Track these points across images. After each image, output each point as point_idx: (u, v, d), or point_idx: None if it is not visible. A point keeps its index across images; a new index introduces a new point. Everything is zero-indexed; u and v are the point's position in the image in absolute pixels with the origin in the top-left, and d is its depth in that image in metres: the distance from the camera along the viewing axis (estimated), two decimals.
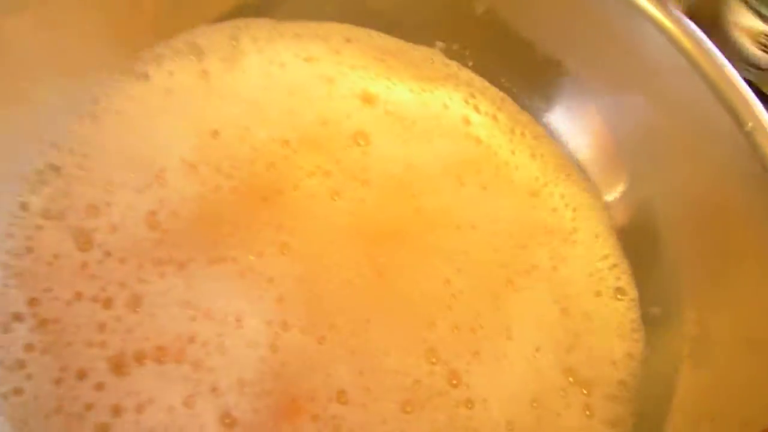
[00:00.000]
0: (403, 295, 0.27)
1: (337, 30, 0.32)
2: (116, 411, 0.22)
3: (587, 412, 0.28)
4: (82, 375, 0.22)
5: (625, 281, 0.31)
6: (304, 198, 0.28)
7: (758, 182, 0.26)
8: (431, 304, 0.27)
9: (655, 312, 0.30)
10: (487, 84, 0.34)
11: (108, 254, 0.24)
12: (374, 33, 0.33)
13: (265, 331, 0.25)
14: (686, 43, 0.28)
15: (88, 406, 0.22)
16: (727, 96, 0.27)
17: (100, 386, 0.22)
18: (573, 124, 0.34)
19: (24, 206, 0.24)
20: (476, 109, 0.34)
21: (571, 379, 0.28)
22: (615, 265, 0.31)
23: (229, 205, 0.27)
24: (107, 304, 0.24)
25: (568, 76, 0.33)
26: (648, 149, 0.31)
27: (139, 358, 0.23)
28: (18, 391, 0.22)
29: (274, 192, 0.28)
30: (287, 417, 0.23)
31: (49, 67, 0.25)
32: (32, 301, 0.23)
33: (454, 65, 0.34)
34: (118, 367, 0.23)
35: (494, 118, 0.34)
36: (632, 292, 0.31)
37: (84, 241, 0.24)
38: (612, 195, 0.33)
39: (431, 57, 0.34)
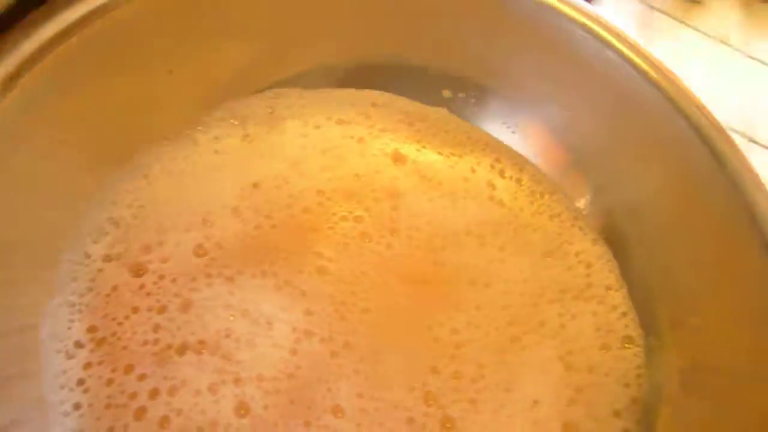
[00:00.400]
0: (413, 337, 0.30)
1: (362, 95, 0.36)
2: (153, 394, 0.26)
3: None
4: (129, 370, 0.26)
5: (633, 329, 0.33)
6: (338, 236, 0.32)
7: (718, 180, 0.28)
8: (437, 351, 0.30)
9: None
10: (511, 148, 0.37)
11: (162, 277, 0.28)
12: (395, 97, 0.37)
13: (290, 336, 0.28)
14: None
15: (132, 395, 0.25)
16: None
17: (142, 377, 0.26)
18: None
19: (87, 255, 0.28)
20: (501, 173, 0.37)
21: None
22: (624, 314, 0.33)
23: (271, 237, 0.31)
24: (161, 310, 0.28)
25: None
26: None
27: (181, 351, 0.27)
28: (77, 406, 0.25)
29: (310, 230, 0.31)
30: (284, 417, 0.26)
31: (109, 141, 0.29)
32: (91, 328, 0.27)
33: (479, 130, 0.37)
34: (162, 360, 0.26)
35: (518, 182, 0.37)
36: (639, 339, 0.32)
37: (139, 270, 0.28)
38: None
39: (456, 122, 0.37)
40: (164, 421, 0.25)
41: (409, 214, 0.33)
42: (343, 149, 0.35)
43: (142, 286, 0.28)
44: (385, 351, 0.29)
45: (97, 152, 0.29)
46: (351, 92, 0.36)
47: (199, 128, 0.32)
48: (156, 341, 0.27)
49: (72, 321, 0.27)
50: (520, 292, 0.33)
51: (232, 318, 0.28)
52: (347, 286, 0.30)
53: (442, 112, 0.37)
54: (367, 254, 0.31)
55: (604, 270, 0.35)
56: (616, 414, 0.31)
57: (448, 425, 0.28)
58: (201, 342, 0.27)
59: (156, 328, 0.27)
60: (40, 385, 0.25)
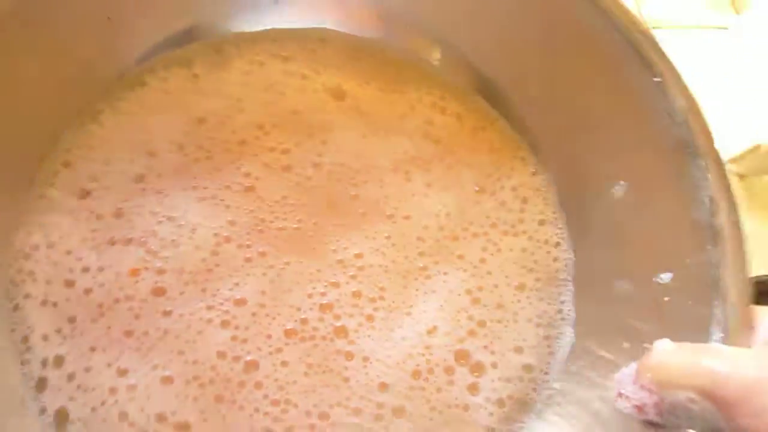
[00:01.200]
0: (319, 253, 0.32)
1: (311, 32, 0.37)
2: (84, 270, 0.30)
3: (473, 391, 0.31)
4: (68, 253, 0.31)
5: (561, 264, 0.34)
6: (264, 164, 0.34)
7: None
8: (339, 270, 0.32)
9: None
10: (461, 85, 0.37)
11: (102, 198, 0.32)
12: (351, 35, 0.37)
13: (211, 240, 0.32)
14: None
15: (69, 270, 0.30)
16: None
17: (79, 258, 0.31)
18: None
19: (41, 195, 0.32)
20: (443, 111, 0.37)
21: (462, 361, 0.32)
22: (555, 247, 0.34)
23: (204, 164, 0.33)
24: (99, 218, 0.31)
25: None
26: None
27: (112, 242, 0.31)
28: (30, 273, 0.30)
29: (240, 157, 0.34)
30: (192, 299, 0.31)
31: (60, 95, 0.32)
32: (38, 236, 0.31)
33: (433, 67, 0.37)
34: (95, 248, 0.31)
35: (459, 118, 0.37)
36: (566, 277, 0.34)
37: (83, 194, 0.32)
38: None
39: (411, 57, 0.38)
40: (88, 291, 0.30)
41: (337, 149, 0.35)
42: (285, 85, 0.36)
43: (83, 205, 0.32)
44: (293, 263, 0.32)
45: (51, 108, 0.32)
46: (299, 30, 0.38)
47: (148, 72, 0.35)
48: (93, 239, 0.31)
49: (24, 232, 0.32)
50: (440, 226, 0.34)
51: (159, 222, 0.32)
52: (267, 205, 0.33)
53: (391, 45, 0.38)
54: (288, 182, 0.34)
55: (539, 204, 0.35)
56: (518, 350, 0.32)
57: (342, 334, 0.31)
58: (129, 239, 0.31)
59: (93, 230, 0.31)
60: None
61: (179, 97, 0.35)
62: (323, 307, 0.31)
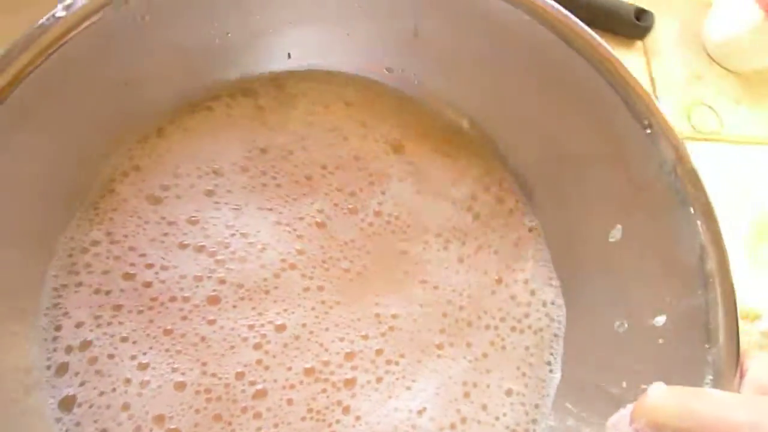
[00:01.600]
0: (365, 303, 0.34)
1: (372, 83, 0.38)
2: (148, 267, 0.31)
3: None
4: (132, 249, 0.31)
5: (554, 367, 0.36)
6: (331, 204, 0.35)
7: None
8: (374, 324, 0.34)
9: None
10: (504, 166, 0.39)
11: (175, 206, 0.32)
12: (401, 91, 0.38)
13: (277, 264, 0.33)
14: None
15: (131, 264, 0.31)
16: None
17: (143, 255, 0.31)
18: None
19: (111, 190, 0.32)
20: (486, 188, 0.39)
21: None
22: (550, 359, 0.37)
23: (275, 190, 0.34)
24: (170, 224, 0.32)
25: None
26: None
27: (183, 247, 0.32)
28: (87, 264, 0.30)
29: (312, 193, 0.35)
30: (238, 316, 0.32)
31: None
32: (108, 233, 0.31)
33: (481, 144, 0.39)
34: (163, 248, 0.32)
35: (499, 200, 0.39)
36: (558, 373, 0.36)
37: (156, 200, 0.32)
38: None
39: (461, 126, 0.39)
40: (148, 284, 0.31)
41: (394, 202, 0.36)
42: (348, 131, 0.37)
43: (156, 211, 0.32)
44: (342, 305, 0.34)
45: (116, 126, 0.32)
46: (361, 77, 0.38)
47: (213, 99, 0.35)
48: (163, 241, 0.32)
49: (91, 229, 0.31)
50: (461, 306, 0.36)
51: (232, 235, 0.32)
52: (337, 244, 0.34)
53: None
54: (355, 226, 0.35)
55: (547, 301, 0.38)
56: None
57: (350, 386, 0.33)
58: (201, 246, 0.32)
59: (164, 234, 0.32)
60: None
61: (244, 124, 0.35)
62: (347, 355, 0.33)
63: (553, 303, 0.38)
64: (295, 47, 0.36)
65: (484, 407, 0.35)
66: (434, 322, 0.35)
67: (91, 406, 0.29)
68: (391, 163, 0.37)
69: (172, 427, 0.30)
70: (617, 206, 0.33)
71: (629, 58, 0.51)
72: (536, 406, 0.36)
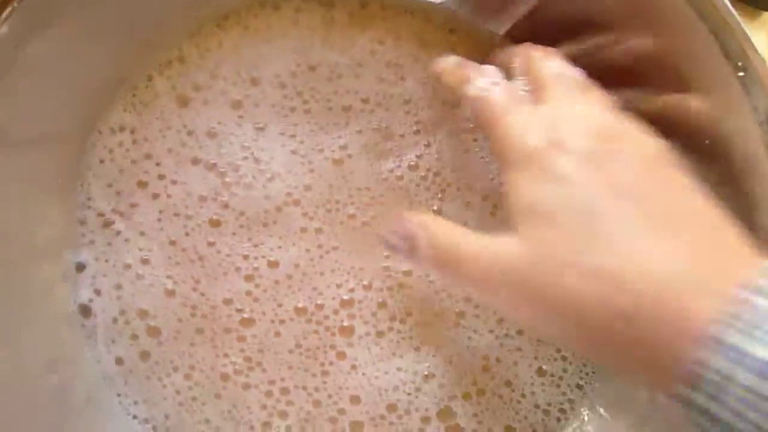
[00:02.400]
0: (373, 254, 0.32)
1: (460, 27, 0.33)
2: (160, 177, 0.32)
3: None
4: (148, 157, 0.32)
5: None
6: (360, 144, 0.32)
7: None
8: (380, 276, 0.32)
9: None
10: None
11: (198, 113, 0.32)
12: None
13: (280, 197, 0.32)
14: None
15: (145, 172, 0.32)
16: None
17: (158, 164, 0.32)
18: None
19: (149, 77, 0.32)
20: None
21: (443, 419, 0.31)
22: None
23: (303, 116, 0.32)
24: (189, 133, 0.32)
25: None
26: None
27: (195, 162, 0.32)
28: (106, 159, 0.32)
29: (343, 121, 0.32)
30: (238, 238, 0.32)
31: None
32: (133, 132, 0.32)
33: None
34: (176, 161, 0.32)
35: None
36: None
37: (184, 102, 0.32)
38: None
39: None
40: (156, 195, 0.31)
41: (438, 157, 0.33)
42: (408, 71, 0.33)
43: (180, 115, 0.32)
44: (341, 250, 0.32)
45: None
46: (459, 19, 0.33)
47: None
48: (178, 153, 0.32)
49: (122, 121, 0.32)
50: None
51: (245, 158, 0.32)
52: (348, 188, 0.32)
53: None
54: (379, 175, 0.32)
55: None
56: (508, 430, 0.31)
57: (345, 334, 0.31)
58: (213, 164, 0.32)
59: (182, 144, 0.32)
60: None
61: (304, 35, 0.32)
62: (344, 303, 0.31)
63: None
64: None
65: (508, 383, 0.31)
66: (458, 289, 0.31)
67: (94, 276, 0.31)
68: (446, 115, 0.33)
69: (153, 324, 0.31)
70: None
71: (753, 31, 0.39)
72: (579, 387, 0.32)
